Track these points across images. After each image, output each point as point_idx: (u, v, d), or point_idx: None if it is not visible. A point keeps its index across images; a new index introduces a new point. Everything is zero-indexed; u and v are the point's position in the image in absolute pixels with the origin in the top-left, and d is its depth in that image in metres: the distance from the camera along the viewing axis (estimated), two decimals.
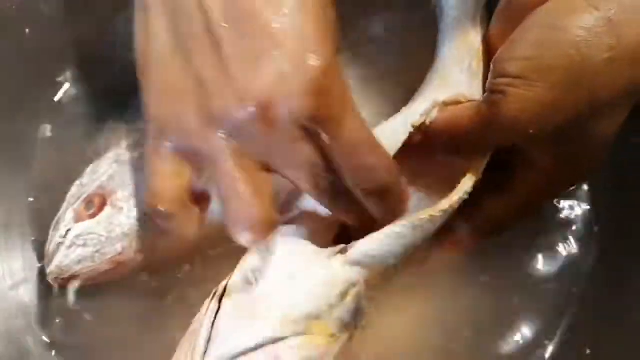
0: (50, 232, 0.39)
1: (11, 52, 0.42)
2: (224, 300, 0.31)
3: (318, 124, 0.28)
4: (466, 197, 0.33)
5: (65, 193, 0.40)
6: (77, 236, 0.38)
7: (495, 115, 0.31)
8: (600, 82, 0.29)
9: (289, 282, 0.31)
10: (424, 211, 0.32)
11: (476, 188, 0.34)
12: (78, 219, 0.38)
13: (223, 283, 0.32)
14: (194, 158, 0.30)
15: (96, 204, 0.38)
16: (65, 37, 0.44)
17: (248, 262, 0.32)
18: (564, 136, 0.31)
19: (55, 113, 0.44)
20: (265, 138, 0.28)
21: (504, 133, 0.31)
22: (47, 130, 0.44)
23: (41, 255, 0.39)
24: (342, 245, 0.32)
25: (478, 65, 0.36)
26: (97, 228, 0.38)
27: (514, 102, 0.30)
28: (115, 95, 0.42)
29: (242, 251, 0.33)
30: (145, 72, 0.30)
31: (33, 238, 0.42)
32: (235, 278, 0.31)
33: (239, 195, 0.29)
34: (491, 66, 0.32)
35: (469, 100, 0.34)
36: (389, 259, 0.32)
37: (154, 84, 0.30)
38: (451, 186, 0.33)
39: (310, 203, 0.34)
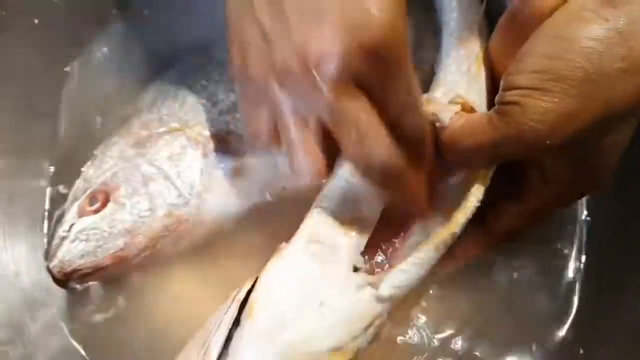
0: (54, 226, 0.39)
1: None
2: (245, 319, 0.30)
3: (371, 80, 0.28)
4: (479, 204, 0.33)
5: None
6: (81, 231, 0.38)
7: (509, 126, 0.30)
8: (615, 92, 0.29)
9: (319, 310, 0.30)
10: (442, 231, 0.32)
11: (487, 195, 0.33)
12: (82, 214, 0.38)
13: (244, 288, 0.32)
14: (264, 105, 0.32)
15: (100, 199, 0.38)
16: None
17: (274, 277, 0.31)
18: (580, 146, 0.31)
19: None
20: (314, 92, 0.28)
21: (520, 144, 0.30)
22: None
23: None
24: (372, 277, 0.32)
25: (478, 70, 0.35)
26: (100, 223, 0.38)
27: (531, 112, 0.29)
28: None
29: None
30: (228, 24, 0.33)
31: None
32: (259, 295, 0.31)
33: (294, 148, 0.31)
34: (502, 81, 0.31)
35: (464, 102, 0.33)
36: (415, 284, 0.32)
37: (232, 36, 0.32)
38: (448, 200, 0.33)
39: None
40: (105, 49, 0.45)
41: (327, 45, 0.27)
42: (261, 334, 0.29)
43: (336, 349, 0.30)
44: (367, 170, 0.30)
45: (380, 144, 0.29)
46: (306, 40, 0.28)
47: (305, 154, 0.31)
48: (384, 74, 0.28)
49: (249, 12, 0.31)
